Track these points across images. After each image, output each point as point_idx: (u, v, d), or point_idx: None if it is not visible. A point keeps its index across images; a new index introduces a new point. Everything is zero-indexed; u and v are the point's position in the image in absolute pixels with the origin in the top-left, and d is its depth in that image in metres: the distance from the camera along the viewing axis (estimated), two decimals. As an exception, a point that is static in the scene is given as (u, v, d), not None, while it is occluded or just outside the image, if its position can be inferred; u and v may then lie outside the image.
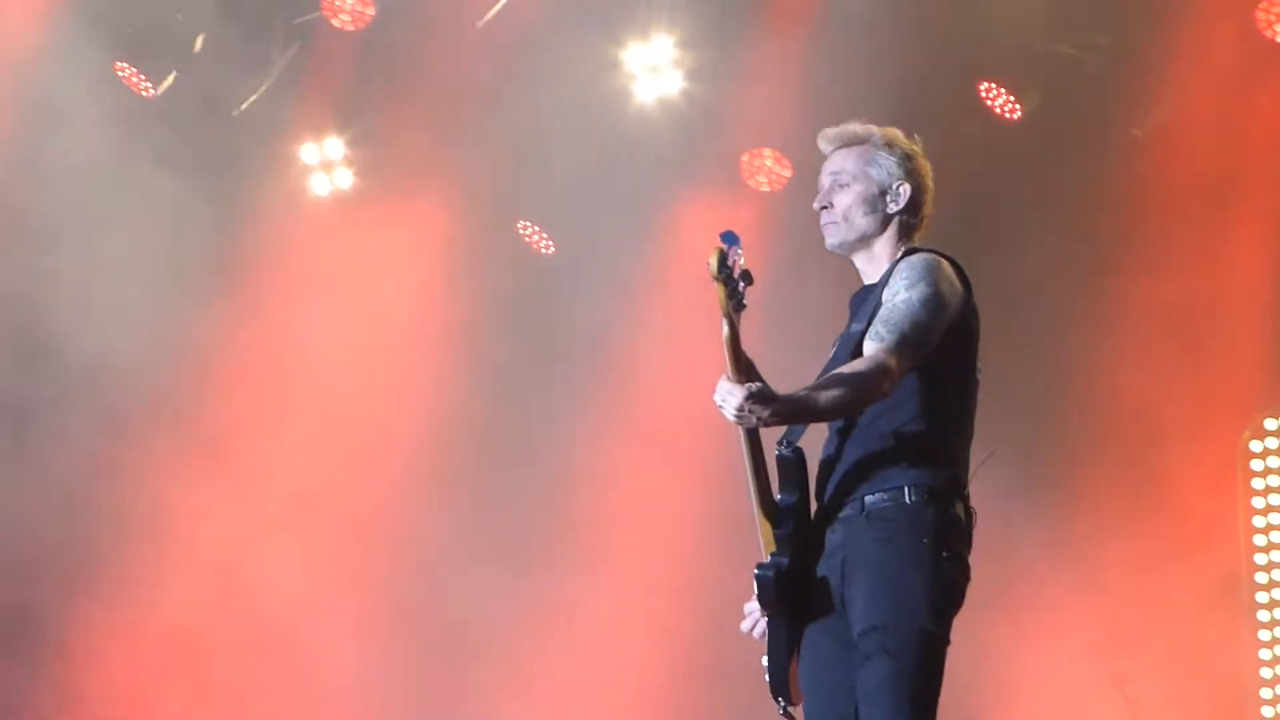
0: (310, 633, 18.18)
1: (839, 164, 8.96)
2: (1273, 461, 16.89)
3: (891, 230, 8.90)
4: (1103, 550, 16.25)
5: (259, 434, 17.89)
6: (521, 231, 18.22)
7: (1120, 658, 16.11)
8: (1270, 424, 16.80)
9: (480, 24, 17.10)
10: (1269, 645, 16.71)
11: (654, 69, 17.23)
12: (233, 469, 17.79)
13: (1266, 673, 16.60)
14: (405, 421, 18.13)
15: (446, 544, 16.31)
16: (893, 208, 8.85)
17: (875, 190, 8.94)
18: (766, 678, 8.79)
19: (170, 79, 17.92)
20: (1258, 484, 16.92)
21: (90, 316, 17.35)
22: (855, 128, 9.04)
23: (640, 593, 17.59)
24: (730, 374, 8.22)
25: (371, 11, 17.26)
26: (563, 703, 17.70)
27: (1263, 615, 16.75)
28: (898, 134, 9.03)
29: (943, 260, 8.71)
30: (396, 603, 17.90)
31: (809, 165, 9.15)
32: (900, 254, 8.83)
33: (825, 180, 8.95)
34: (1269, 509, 16.97)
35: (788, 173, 16.97)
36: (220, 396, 18.03)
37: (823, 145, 9.05)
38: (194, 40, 17.80)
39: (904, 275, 8.69)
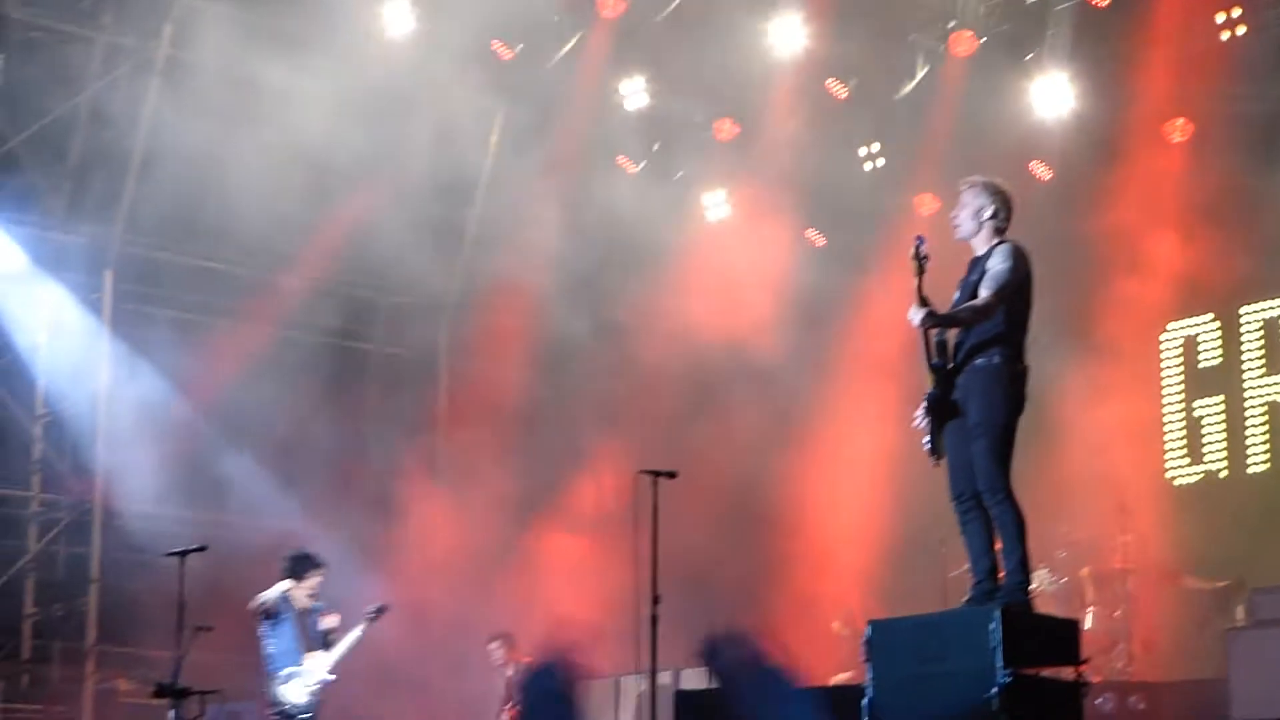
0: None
1: (962, 196, 9.87)
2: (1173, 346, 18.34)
3: (989, 228, 9.73)
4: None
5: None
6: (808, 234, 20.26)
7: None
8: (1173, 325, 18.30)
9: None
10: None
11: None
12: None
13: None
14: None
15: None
16: (983, 218, 9.76)
17: (975, 209, 9.76)
18: (928, 448, 9.68)
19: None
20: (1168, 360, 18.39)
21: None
22: (973, 177, 9.90)
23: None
24: (916, 304, 9.49)
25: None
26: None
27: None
28: (996, 180, 9.87)
29: (1017, 247, 9.66)
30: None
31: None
32: (996, 241, 9.68)
33: (958, 204, 9.93)
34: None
35: (938, 205, 18.48)
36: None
37: (961, 184, 9.94)
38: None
39: (999, 256, 9.58)
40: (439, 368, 21.76)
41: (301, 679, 14.20)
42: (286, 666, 14.22)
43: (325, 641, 14.42)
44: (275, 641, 14.28)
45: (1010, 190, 9.86)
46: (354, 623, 14.42)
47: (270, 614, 14.25)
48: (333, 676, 14.32)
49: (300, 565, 14.46)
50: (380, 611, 14.64)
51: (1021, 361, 9.62)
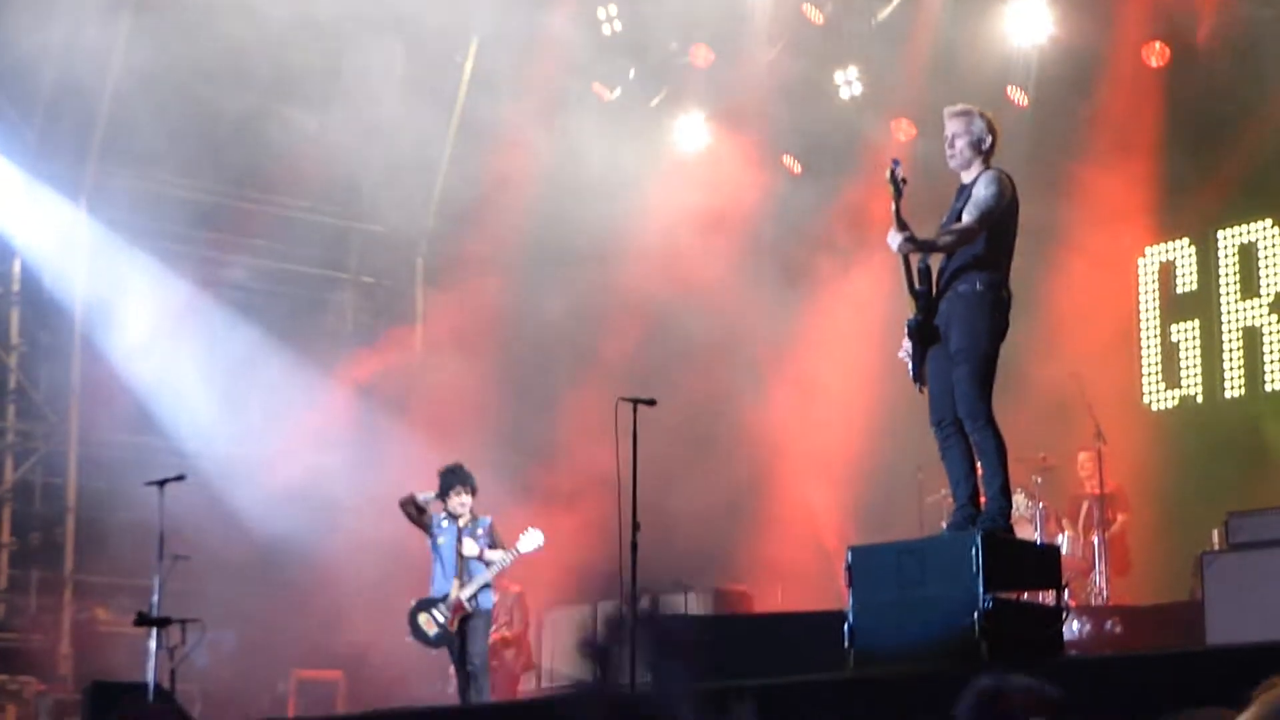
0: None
1: (956, 125, 9.77)
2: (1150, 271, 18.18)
3: (980, 158, 9.73)
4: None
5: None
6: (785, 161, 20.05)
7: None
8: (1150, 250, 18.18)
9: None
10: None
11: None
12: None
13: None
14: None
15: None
16: (982, 148, 9.72)
17: (975, 139, 9.73)
18: (911, 374, 9.68)
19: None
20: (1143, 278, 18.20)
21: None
22: (961, 106, 9.86)
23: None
24: (895, 228, 9.46)
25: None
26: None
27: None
28: (983, 110, 9.85)
29: (1003, 174, 9.68)
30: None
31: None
32: (983, 169, 9.68)
33: (949, 133, 9.77)
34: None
35: (914, 131, 18.45)
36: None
37: (946, 114, 9.87)
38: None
39: (985, 182, 9.58)
40: (415, 297, 21.69)
41: (436, 609, 14.27)
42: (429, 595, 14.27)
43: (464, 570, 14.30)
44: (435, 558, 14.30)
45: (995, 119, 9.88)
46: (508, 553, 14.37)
47: (415, 519, 14.20)
48: (467, 608, 14.24)
49: (443, 479, 14.32)
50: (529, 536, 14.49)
51: (1005, 288, 9.63)
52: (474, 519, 14.28)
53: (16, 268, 19.47)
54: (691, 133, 20.35)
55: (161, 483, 13.76)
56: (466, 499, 14.23)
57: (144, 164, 19.42)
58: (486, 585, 14.30)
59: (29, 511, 19.53)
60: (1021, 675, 3.60)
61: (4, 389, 19.52)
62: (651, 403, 13.02)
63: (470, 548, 14.17)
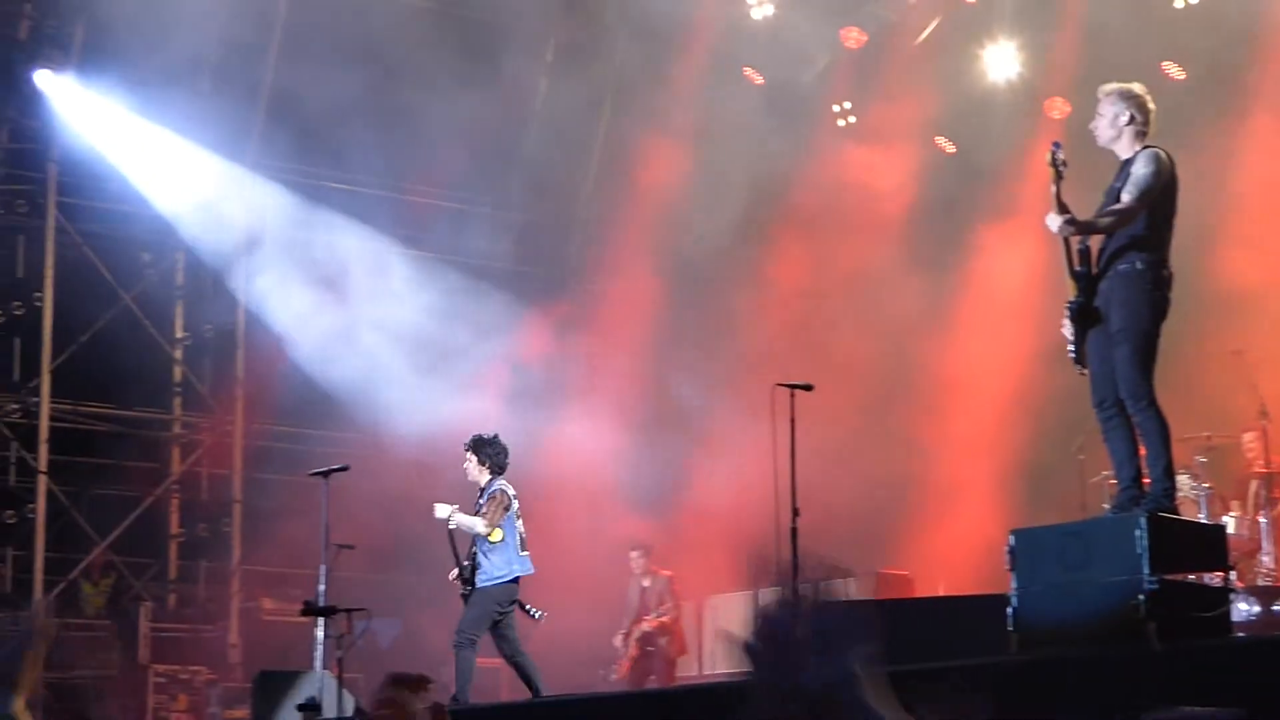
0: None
1: (1110, 103, 9.77)
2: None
3: (1129, 134, 9.70)
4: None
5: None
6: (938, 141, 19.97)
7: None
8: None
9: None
10: None
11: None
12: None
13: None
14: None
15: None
16: (1137, 124, 9.69)
17: (1129, 116, 9.68)
18: (1072, 356, 9.69)
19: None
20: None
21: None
22: (1110, 85, 9.85)
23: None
24: (1055, 211, 9.49)
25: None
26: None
27: None
28: (1133, 86, 9.79)
29: (1161, 152, 9.61)
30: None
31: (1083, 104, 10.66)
32: (1140, 147, 9.64)
33: (1103, 110, 9.78)
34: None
35: (1069, 109, 18.21)
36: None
37: (1101, 92, 9.86)
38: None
39: (1143, 160, 9.55)
40: (570, 284, 21.62)
41: None
42: None
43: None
44: None
45: (1146, 95, 9.76)
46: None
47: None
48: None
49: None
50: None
51: (1165, 267, 9.59)
52: (481, 491, 13.92)
53: (180, 262, 19.80)
54: (844, 114, 20.30)
55: (326, 473, 13.90)
56: (470, 466, 13.94)
57: (300, 158, 19.57)
58: (482, 560, 13.91)
59: (196, 503, 19.91)
60: (1190, 706, 3.58)
61: (169, 382, 19.88)
62: (808, 388, 13.03)
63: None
